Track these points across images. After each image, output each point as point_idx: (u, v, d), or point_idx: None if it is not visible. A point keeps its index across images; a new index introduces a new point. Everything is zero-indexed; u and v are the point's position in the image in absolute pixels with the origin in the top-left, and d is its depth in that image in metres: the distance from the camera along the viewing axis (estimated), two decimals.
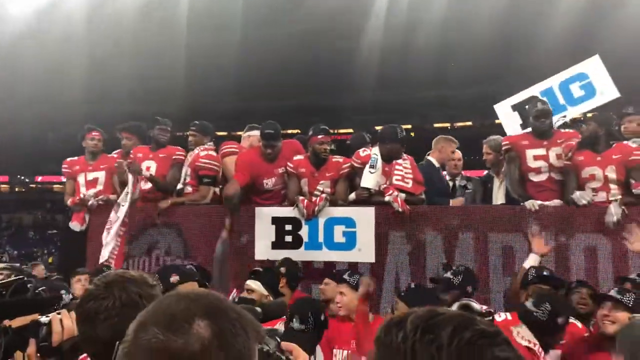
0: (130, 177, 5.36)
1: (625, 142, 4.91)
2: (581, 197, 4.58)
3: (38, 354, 1.67)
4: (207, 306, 0.99)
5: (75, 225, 5.66)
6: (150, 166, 5.60)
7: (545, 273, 3.72)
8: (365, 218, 4.81)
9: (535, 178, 5.01)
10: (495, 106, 6.37)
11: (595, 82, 5.77)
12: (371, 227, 4.79)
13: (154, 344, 0.94)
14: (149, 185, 5.56)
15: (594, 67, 5.83)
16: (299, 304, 2.90)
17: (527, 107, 5.35)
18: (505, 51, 29.18)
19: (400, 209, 4.77)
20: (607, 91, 5.69)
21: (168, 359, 0.93)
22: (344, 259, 4.80)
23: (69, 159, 6.09)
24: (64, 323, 1.70)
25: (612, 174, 4.71)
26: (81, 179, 5.88)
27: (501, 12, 28.07)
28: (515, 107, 6.05)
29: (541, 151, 5.01)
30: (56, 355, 1.65)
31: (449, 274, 3.79)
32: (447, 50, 30.44)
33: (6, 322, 1.65)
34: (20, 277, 1.70)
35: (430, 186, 5.22)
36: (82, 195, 5.73)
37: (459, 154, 6.23)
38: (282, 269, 4.23)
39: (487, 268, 4.62)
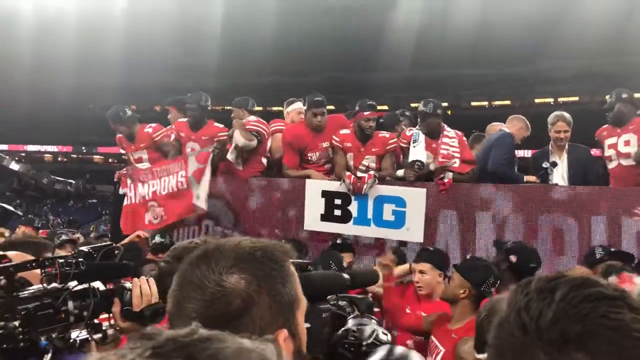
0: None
1: None
2: None
3: (122, 317, 1.74)
4: (229, 259, 1.02)
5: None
6: (194, 147, 5.63)
7: (612, 249, 3.66)
8: (416, 199, 4.79)
9: (609, 166, 5.11)
10: None
11: None
12: (421, 207, 4.76)
13: (197, 315, 0.97)
14: None
15: None
16: None
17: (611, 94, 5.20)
18: (545, 29, 28.27)
19: (450, 170, 4.87)
20: None
21: (216, 324, 0.94)
22: (392, 237, 4.80)
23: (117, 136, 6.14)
24: (142, 288, 1.76)
25: None
26: (130, 156, 6.01)
27: None
28: None
29: (613, 139, 5.05)
30: (138, 320, 1.71)
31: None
32: (486, 28, 29.67)
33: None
34: (110, 243, 1.77)
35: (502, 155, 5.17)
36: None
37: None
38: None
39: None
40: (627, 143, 4.96)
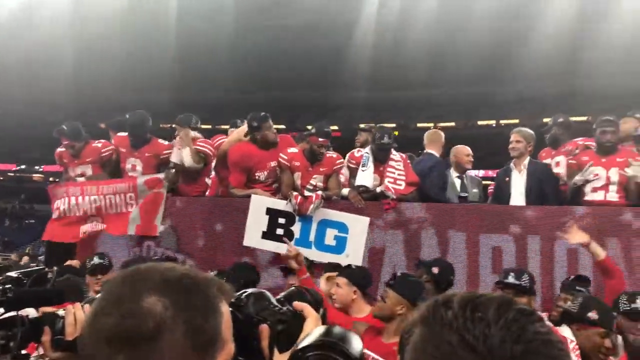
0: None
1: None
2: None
3: (53, 347, 1.64)
4: (154, 281, 0.98)
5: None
6: (135, 164, 5.58)
7: (510, 279, 3.77)
8: (358, 226, 4.87)
9: None
10: None
11: None
12: (363, 236, 4.83)
13: (108, 331, 0.93)
14: None
15: None
16: None
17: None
18: (495, 52, 29.47)
19: (393, 196, 4.93)
20: None
21: (125, 343, 0.93)
22: (331, 262, 4.67)
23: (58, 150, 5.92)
24: (76, 315, 1.68)
25: (615, 176, 4.86)
26: (71, 172, 5.80)
27: (493, 13, 28.35)
28: None
29: (548, 161, 5.45)
30: (70, 350, 1.59)
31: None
32: (437, 50, 30.65)
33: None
34: (42, 267, 1.69)
35: (437, 182, 5.40)
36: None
37: (468, 149, 5.99)
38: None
39: (478, 266, 4.71)
40: (557, 164, 5.31)
